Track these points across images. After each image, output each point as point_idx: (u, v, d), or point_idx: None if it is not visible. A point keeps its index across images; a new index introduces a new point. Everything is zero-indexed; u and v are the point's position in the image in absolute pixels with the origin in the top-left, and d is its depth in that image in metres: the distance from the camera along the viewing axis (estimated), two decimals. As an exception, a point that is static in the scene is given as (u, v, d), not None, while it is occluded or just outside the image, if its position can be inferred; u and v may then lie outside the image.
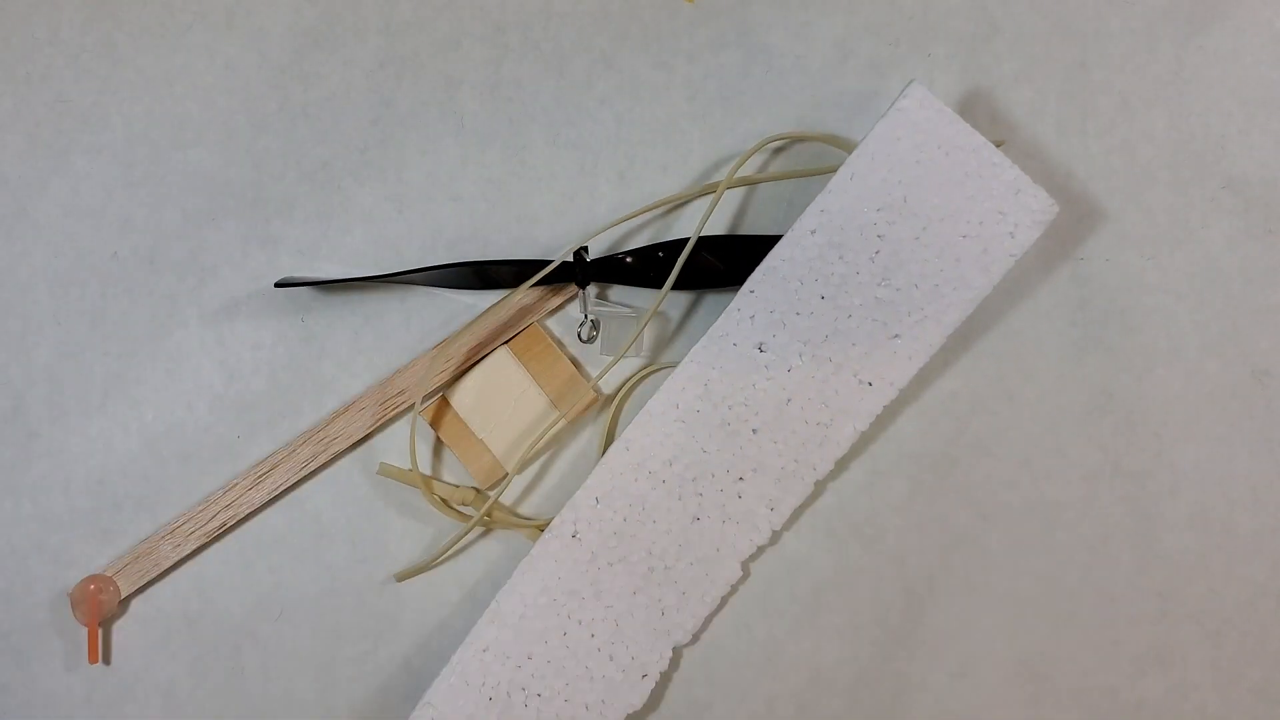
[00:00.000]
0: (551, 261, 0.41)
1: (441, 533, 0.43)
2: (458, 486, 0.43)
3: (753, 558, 0.41)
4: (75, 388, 0.43)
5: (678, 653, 0.41)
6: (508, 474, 0.42)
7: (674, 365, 0.43)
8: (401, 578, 0.43)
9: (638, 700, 0.40)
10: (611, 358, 0.42)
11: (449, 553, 0.43)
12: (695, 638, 0.41)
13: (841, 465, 0.42)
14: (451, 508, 0.43)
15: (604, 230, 0.42)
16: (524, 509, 0.43)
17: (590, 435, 0.43)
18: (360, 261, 0.44)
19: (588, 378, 0.43)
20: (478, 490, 0.43)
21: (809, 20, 0.44)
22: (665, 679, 0.42)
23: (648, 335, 0.43)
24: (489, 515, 0.42)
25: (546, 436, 0.42)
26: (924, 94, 0.39)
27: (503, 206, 0.44)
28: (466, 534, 0.42)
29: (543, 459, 0.44)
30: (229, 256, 0.44)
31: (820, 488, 0.42)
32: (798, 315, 0.40)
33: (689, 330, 0.43)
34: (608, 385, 0.44)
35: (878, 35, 0.44)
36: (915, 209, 0.39)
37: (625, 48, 0.44)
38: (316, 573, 0.43)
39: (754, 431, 0.40)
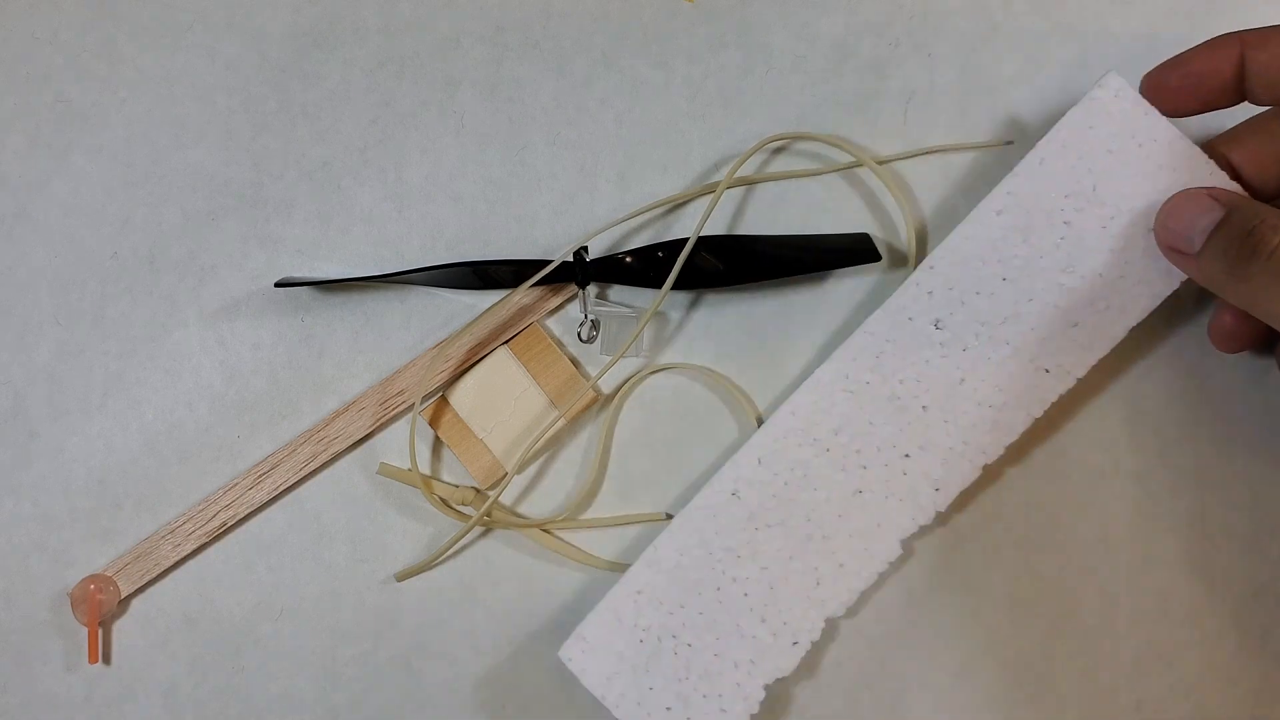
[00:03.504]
0: (551, 261, 0.41)
1: (441, 533, 0.43)
2: (458, 486, 0.43)
3: (914, 537, 0.40)
4: (75, 388, 0.43)
5: (832, 624, 0.40)
6: (507, 473, 0.42)
7: (674, 365, 0.43)
8: (401, 577, 0.43)
9: (788, 666, 0.40)
10: (611, 357, 0.42)
11: (449, 552, 0.43)
12: (850, 611, 0.41)
13: (1011, 451, 0.41)
14: (451, 508, 0.43)
15: (604, 230, 0.42)
16: (524, 508, 0.43)
17: (590, 435, 0.43)
18: (360, 261, 0.44)
19: (587, 377, 0.43)
20: (478, 490, 0.43)
21: (809, 20, 0.44)
22: (818, 649, 0.41)
23: (647, 335, 0.43)
24: (489, 515, 0.42)
25: (546, 436, 0.42)
26: (1121, 84, 0.39)
27: (503, 206, 0.44)
28: (466, 534, 0.42)
29: (542, 458, 0.44)
30: (229, 256, 0.44)
31: (989, 472, 0.40)
32: (977, 295, 0.39)
33: (689, 330, 0.43)
34: (607, 385, 0.44)
35: (878, 35, 0.44)
36: (1104, 198, 0.39)
37: (625, 48, 0.44)
38: (316, 573, 0.43)
39: (923, 408, 0.40)
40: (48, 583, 0.43)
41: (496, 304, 0.43)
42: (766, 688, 0.40)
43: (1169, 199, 0.38)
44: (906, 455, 0.40)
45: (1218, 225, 0.36)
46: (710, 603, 0.40)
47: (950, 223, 0.43)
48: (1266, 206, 0.36)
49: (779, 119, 0.44)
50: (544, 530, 0.43)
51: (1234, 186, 0.38)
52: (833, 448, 0.40)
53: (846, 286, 0.43)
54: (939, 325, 0.40)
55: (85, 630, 0.42)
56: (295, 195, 0.44)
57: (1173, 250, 0.38)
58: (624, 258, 0.42)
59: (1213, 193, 0.37)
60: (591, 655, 0.40)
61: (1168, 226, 0.38)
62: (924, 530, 0.40)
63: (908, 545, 0.40)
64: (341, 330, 0.44)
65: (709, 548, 0.40)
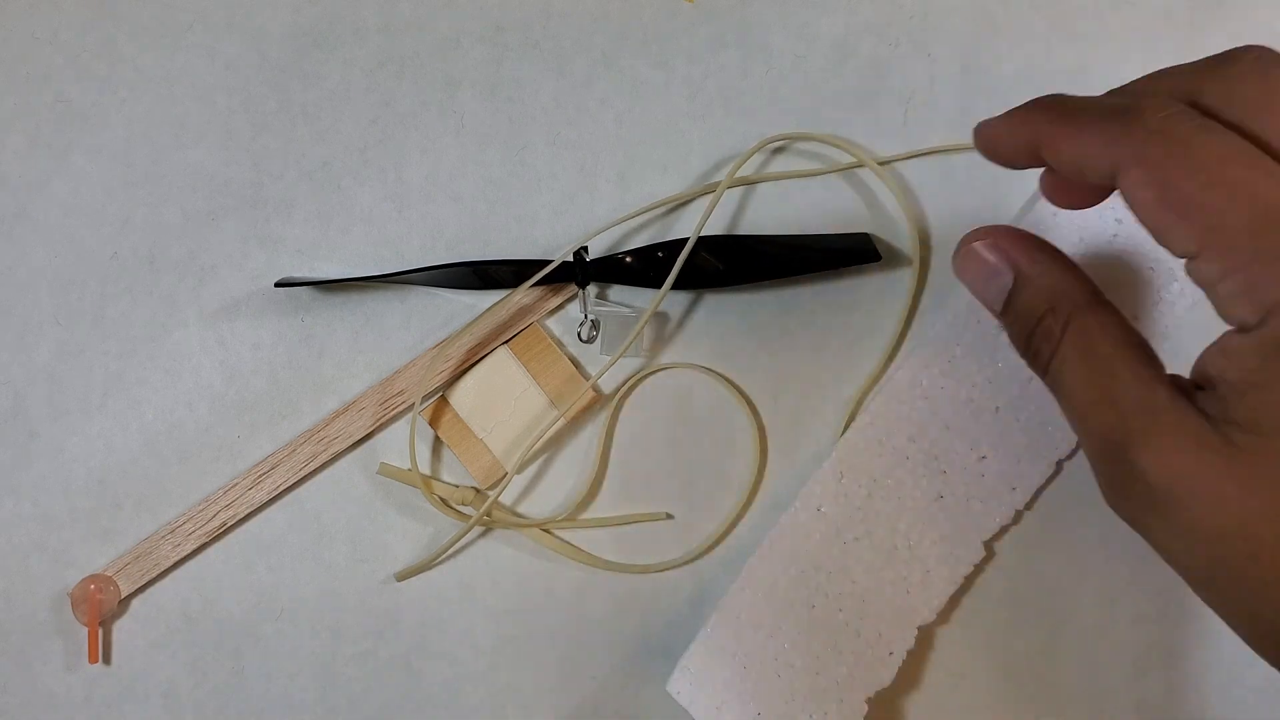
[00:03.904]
0: (551, 261, 0.41)
1: (441, 533, 0.43)
2: (458, 486, 0.43)
3: (995, 538, 0.41)
4: (75, 388, 0.43)
5: (924, 631, 0.41)
6: (507, 473, 0.42)
7: (674, 365, 0.43)
8: (402, 577, 0.43)
9: (887, 677, 0.40)
10: (611, 357, 0.42)
11: (449, 552, 0.43)
12: (940, 617, 0.41)
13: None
14: (451, 507, 0.43)
15: (604, 230, 0.42)
16: (524, 508, 0.43)
17: (590, 435, 0.43)
18: (360, 261, 0.44)
19: (587, 377, 0.43)
20: (477, 490, 0.43)
21: (809, 20, 0.44)
22: (913, 657, 0.41)
23: (647, 335, 0.43)
24: (489, 515, 0.42)
25: (546, 436, 0.42)
26: None
27: (503, 206, 0.44)
28: (466, 534, 0.42)
29: (542, 458, 0.44)
30: (229, 256, 0.44)
31: (1061, 468, 0.41)
32: None
33: (689, 330, 0.43)
34: (607, 385, 0.44)
35: (878, 35, 0.44)
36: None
37: (625, 48, 0.44)
38: (316, 573, 0.43)
39: (996, 410, 0.40)
40: (48, 583, 0.43)
41: (496, 304, 0.43)
42: (868, 701, 0.40)
43: (959, 246, 0.31)
44: (983, 457, 0.40)
45: (1010, 295, 0.30)
46: (807, 621, 0.40)
47: (951, 222, 0.43)
48: (1062, 278, 0.30)
49: (779, 119, 0.44)
50: (544, 530, 0.43)
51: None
52: (911, 455, 0.41)
53: (846, 286, 0.43)
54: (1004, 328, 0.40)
55: (85, 630, 0.42)
56: (295, 195, 0.44)
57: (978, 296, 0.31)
58: (624, 258, 0.42)
59: (998, 242, 0.30)
60: (699, 687, 0.40)
61: (965, 280, 0.31)
62: (1004, 529, 0.41)
63: (989, 545, 0.41)
64: (341, 330, 0.44)
65: (800, 566, 0.40)
